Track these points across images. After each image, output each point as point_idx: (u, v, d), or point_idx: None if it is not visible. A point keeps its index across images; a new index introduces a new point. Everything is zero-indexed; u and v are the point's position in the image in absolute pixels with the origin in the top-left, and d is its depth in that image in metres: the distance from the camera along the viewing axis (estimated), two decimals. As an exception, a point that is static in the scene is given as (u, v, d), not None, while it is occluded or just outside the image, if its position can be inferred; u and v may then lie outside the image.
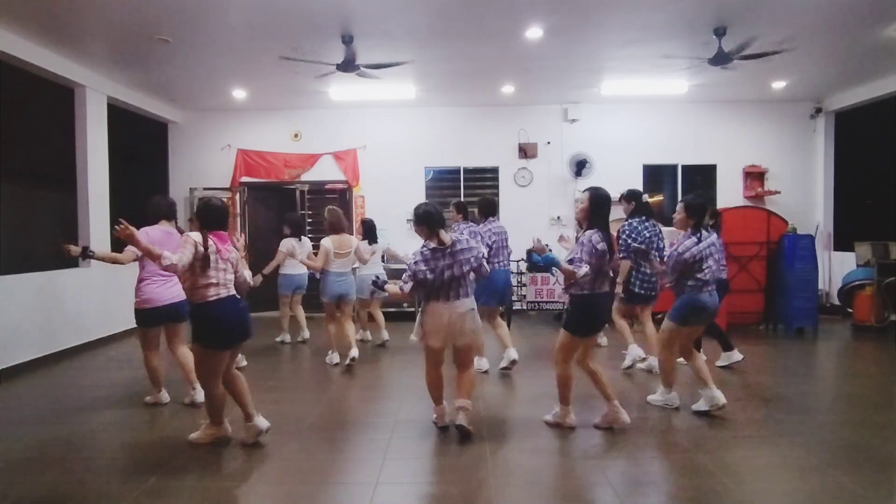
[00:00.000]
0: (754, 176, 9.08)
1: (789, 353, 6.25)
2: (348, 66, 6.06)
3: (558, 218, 9.07)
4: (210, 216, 3.57)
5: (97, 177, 7.12)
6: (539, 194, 9.12)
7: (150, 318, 4.37)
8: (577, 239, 3.77)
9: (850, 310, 7.80)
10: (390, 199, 8.84)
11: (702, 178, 9.21)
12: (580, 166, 8.97)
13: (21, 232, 8.15)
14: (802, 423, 4.00)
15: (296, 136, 9.23)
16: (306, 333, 7.03)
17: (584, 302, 3.72)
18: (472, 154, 9.23)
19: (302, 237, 6.74)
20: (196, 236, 3.42)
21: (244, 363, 5.49)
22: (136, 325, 4.53)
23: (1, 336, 5.52)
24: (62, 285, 6.50)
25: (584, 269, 3.59)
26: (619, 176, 8.85)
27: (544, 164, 9.14)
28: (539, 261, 3.87)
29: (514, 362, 5.41)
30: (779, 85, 8.10)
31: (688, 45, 6.18)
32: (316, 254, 6.12)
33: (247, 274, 3.83)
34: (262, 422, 3.66)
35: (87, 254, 4.46)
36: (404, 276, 3.72)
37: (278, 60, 6.46)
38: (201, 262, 3.37)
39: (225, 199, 3.96)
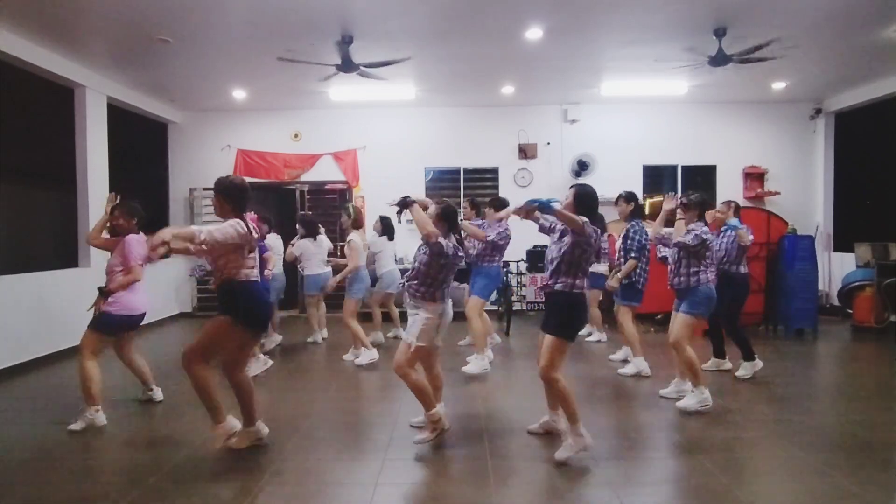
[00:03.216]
0: (754, 177, 9.08)
1: (789, 353, 6.24)
2: (348, 66, 6.06)
3: (558, 218, 9.06)
4: (242, 197, 3.36)
5: (97, 177, 7.11)
6: (539, 195, 9.04)
7: (121, 326, 4.17)
8: (560, 233, 3.56)
9: (849, 311, 7.80)
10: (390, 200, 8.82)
11: (702, 178, 9.21)
12: (581, 167, 8.98)
13: (21, 232, 8.15)
14: (802, 423, 4.00)
15: (296, 136, 9.23)
16: (325, 333, 7.02)
17: (573, 299, 3.43)
18: (471, 154, 9.23)
19: (318, 236, 6.63)
20: (237, 223, 3.23)
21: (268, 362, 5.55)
22: (96, 331, 4.09)
23: (1, 336, 5.52)
24: (62, 285, 6.49)
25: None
26: (619, 177, 8.86)
27: (544, 164, 9.14)
28: (536, 202, 3.39)
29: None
30: (779, 86, 8.10)
31: (688, 45, 6.19)
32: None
33: None
34: (262, 427, 3.61)
35: (104, 293, 4.11)
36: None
37: (278, 60, 6.46)
38: (248, 246, 3.30)
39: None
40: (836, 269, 8.66)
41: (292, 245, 6.58)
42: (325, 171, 9.21)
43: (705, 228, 4.36)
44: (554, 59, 6.88)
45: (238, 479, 3.22)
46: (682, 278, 4.36)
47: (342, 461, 3.48)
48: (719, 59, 5.91)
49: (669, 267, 4.49)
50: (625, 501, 2.93)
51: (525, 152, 9.13)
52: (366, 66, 6.11)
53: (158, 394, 4.56)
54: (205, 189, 8.95)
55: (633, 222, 5.40)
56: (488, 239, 5.46)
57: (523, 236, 8.87)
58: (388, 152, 9.13)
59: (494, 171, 9.27)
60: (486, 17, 5.57)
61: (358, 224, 5.96)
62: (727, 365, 5.33)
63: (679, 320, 4.34)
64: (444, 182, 9.37)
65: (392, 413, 4.39)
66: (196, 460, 3.48)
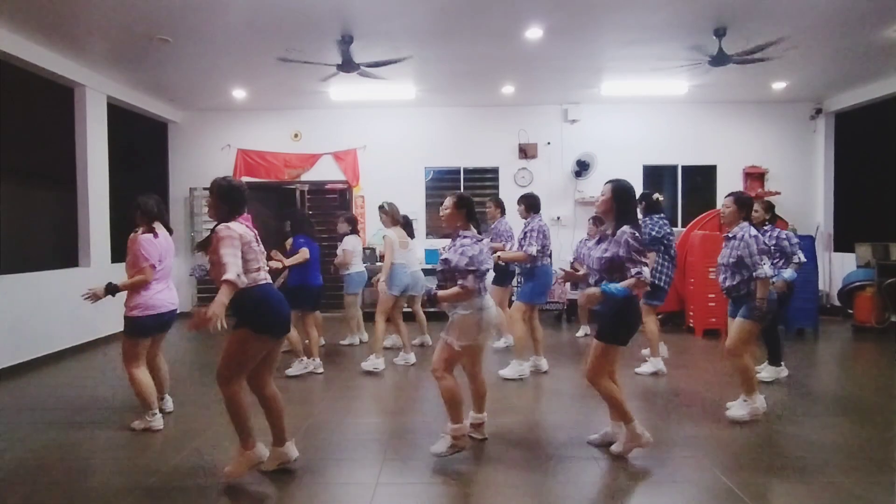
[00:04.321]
0: (754, 177, 9.08)
1: (789, 353, 6.23)
2: (348, 66, 6.06)
3: (558, 218, 9.07)
4: (238, 199, 3.16)
5: (97, 177, 7.12)
6: (539, 194, 9.04)
7: (150, 327, 4.01)
8: (598, 238, 3.47)
9: (850, 311, 7.80)
10: (390, 200, 8.81)
11: (702, 178, 9.22)
12: (581, 167, 8.97)
13: (21, 232, 8.15)
14: (803, 423, 3.99)
15: (296, 136, 9.23)
16: (364, 336, 6.94)
17: (631, 304, 3.30)
18: (472, 154, 9.23)
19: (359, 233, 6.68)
20: (236, 229, 3.02)
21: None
22: (129, 337, 4.00)
23: (1, 336, 5.52)
24: (62, 285, 6.49)
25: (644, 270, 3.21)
26: (620, 177, 8.80)
27: (544, 164, 9.14)
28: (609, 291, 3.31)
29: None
30: (779, 86, 8.10)
31: (688, 45, 6.19)
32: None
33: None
34: (292, 450, 3.31)
35: (110, 289, 4.02)
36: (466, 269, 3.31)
37: (278, 60, 6.45)
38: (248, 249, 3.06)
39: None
40: (837, 269, 8.66)
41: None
42: (326, 171, 9.21)
43: (749, 230, 3.98)
44: (554, 59, 6.88)
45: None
46: (737, 284, 3.97)
47: (342, 461, 3.48)
48: (719, 59, 5.91)
49: (720, 270, 4.14)
50: (624, 501, 2.93)
51: (525, 152, 9.12)
52: (366, 66, 6.11)
53: (169, 404, 4.33)
54: (205, 189, 8.90)
55: (646, 218, 5.44)
56: (530, 253, 5.19)
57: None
58: (388, 152, 9.14)
59: (494, 170, 9.27)
60: (486, 17, 5.57)
61: (394, 221, 5.79)
62: (784, 372, 5.18)
63: (737, 325, 4.01)
64: (444, 182, 9.37)
65: (393, 413, 4.39)
66: (195, 460, 3.48)
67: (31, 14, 5.31)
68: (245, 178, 9.08)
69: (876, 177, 8.25)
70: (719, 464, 3.34)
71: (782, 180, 9.04)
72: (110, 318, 7.20)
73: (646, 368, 5.34)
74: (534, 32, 5.97)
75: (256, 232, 3.25)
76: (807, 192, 9.15)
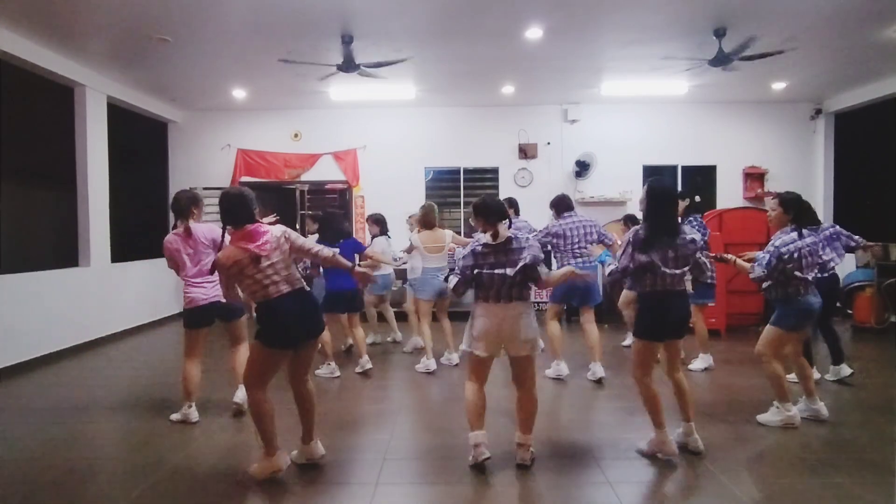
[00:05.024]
0: (754, 177, 9.09)
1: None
2: (348, 66, 6.07)
3: (558, 218, 9.06)
4: (226, 208, 3.12)
5: (97, 177, 7.12)
6: (539, 195, 9.08)
7: (193, 319, 4.06)
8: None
9: (850, 311, 7.80)
10: (390, 200, 8.85)
11: (702, 178, 9.22)
12: (581, 167, 8.97)
13: (21, 232, 8.15)
14: (802, 423, 3.99)
15: (296, 136, 9.23)
16: (398, 335, 6.90)
17: (649, 300, 3.36)
18: (472, 154, 9.23)
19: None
20: (222, 262, 3.04)
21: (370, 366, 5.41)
22: (184, 327, 4.14)
23: (1, 336, 5.52)
24: (62, 285, 6.50)
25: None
26: (620, 176, 8.90)
27: (544, 164, 9.14)
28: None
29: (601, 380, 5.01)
30: (779, 86, 8.10)
31: (688, 45, 6.19)
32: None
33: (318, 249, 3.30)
34: (318, 448, 3.40)
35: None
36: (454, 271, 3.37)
37: (278, 60, 6.46)
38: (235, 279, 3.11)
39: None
40: (836, 270, 8.63)
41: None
42: (326, 171, 9.21)
43: (782, 237, 3.81)
44: (554, 59, 6.88)
45: (237, 479, 3.22)
46: (767, 288, 3.84)
47: (342, 461, 3.48)
48: (720, 60, 5.91)
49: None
50: (624, 501, 2.93)
51: (525, 152, 9.13)
52: (366, 66, 6.11)
53: (240, 395, 4.16)
54: (205, 188, 8.95)
55: (690, 218, 5.30)
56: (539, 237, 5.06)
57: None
58: (388, 152, 9.14)
59: (494, 171, 9.27)
60: (486, 17, 5.57)
61: (426, 224, 5.62)
62: (847, 371, 5.10)
63: (765, 330, 3.94)
64: (444, 182, 9.37)
65: (393, 413, 4.39)
66: (196, 460, 3.48)
67: (31, 14, 5.31)
68: (245, 178, 9.12)
69: (876, 177, 8.25)
70: (719, 464, 3.34)
71: (782, 181, 9.03)
72: (109, 318, 7.23)
73: (697, 365, 5.43)
74: (534, 32, 5.97)
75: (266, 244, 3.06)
76: (807, 192, 9.04)
